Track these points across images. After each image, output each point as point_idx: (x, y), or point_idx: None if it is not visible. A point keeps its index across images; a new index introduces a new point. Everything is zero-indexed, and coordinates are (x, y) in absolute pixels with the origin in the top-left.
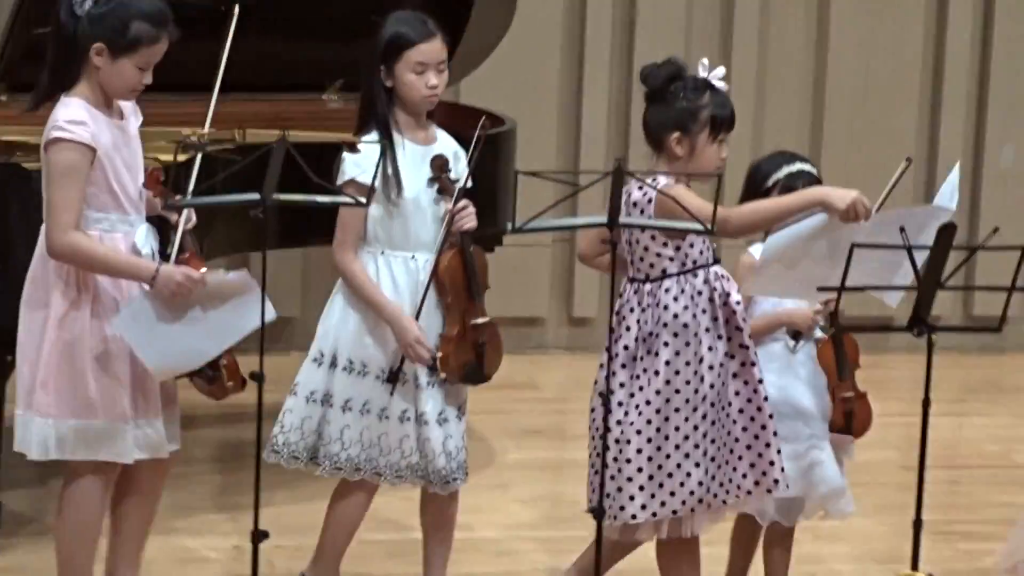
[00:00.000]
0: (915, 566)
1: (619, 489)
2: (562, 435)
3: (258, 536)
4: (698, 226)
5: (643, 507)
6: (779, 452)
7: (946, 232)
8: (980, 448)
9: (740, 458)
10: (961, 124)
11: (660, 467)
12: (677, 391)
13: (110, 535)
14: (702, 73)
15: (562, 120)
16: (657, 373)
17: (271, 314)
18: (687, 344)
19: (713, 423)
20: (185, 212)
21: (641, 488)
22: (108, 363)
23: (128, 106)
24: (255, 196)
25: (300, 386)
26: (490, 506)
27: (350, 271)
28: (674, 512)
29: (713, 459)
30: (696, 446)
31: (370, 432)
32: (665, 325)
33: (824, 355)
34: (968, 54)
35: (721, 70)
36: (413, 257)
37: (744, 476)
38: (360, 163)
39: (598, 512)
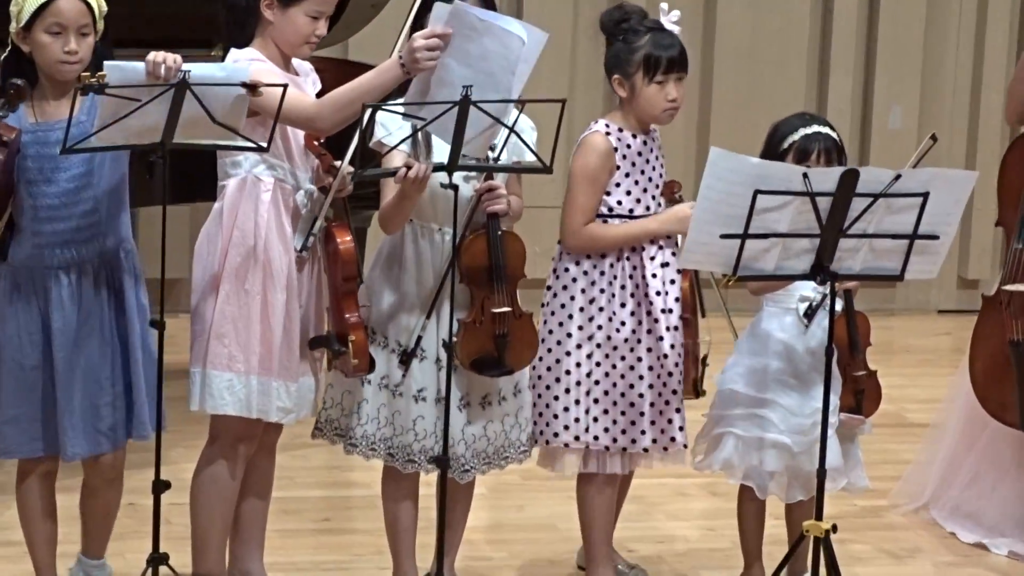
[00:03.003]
0: (819, 516)
1: (555, 416)
2: None
3: (159, 487)
4: (537, 164)
5: (576, 437)
6: (679, 411)
7: (847, 179)
8: None
9: (642, 414)
10: (850, 85)
11: (577, 401)
12: (592, 335)
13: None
14: (661, 17)
15: None
16: (572, 317)
17: (541, 36)
18: (601, 291)
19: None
20: (338, 180)
21: (577, 420)
22: (271, 322)
23: (305, 69)
24: (155, 140)
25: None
26: None
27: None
28: (588, 443)
29: (623, 412)
30: (636, 386)
31: (386, 409)
32: (585, 272)
33: (836, 332)
34: (855, 15)
35: (676, 14)
36: (440, 230)
37: (643, 433)
38: (388, 125)
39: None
